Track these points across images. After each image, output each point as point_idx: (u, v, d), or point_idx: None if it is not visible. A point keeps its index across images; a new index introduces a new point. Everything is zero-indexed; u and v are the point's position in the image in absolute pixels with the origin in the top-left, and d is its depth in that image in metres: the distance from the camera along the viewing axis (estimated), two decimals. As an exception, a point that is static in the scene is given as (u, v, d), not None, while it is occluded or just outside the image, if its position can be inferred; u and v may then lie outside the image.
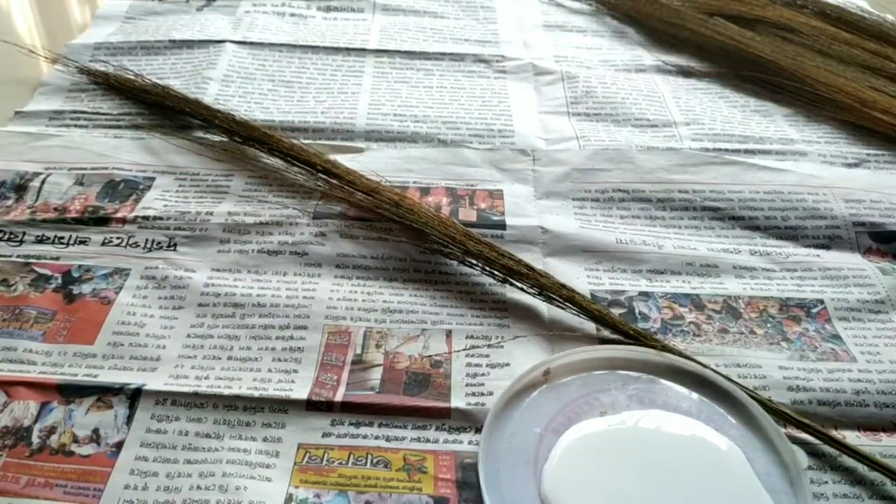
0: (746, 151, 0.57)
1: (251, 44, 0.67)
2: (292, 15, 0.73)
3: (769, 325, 0.43)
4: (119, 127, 0.57)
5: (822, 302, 0.44)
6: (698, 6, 0.71)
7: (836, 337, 0.42)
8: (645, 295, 0.44)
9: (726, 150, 0.57)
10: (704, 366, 0.38)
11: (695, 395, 0.37)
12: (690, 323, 0.43)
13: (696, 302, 0.44)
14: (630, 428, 0.36)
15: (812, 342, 0.42)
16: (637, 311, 0.43)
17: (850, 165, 0.56)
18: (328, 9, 0.74)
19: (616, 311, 0.43)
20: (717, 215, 0.51)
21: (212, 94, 0.60)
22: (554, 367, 0.38)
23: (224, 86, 0.61)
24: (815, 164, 0.56)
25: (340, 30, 0.70)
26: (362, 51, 0.67)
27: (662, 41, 0.71)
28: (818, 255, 0.48)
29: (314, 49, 0.67)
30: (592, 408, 0.36)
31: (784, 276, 0.46)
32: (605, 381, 0.38)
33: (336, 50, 0.67)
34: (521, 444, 0.35)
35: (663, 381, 0.38)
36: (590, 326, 0.42)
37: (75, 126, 0.57)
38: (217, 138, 0.55)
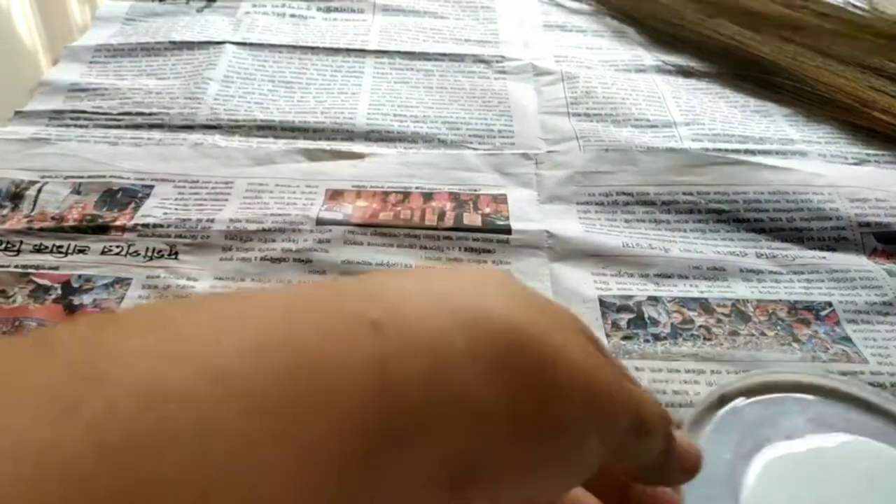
0: (746, 152, 0.56)
1: (251, 45, 0.66)
2: (292, 16, 0.72)
3: (779, 327, 0.43)
4: (119, 127, 0.56)
5: (830, 304, 0.44)
6: (698, 6, 0.71)
7: (847, 339, 0.42)
8: (653, 299, 0.44)
9: (726, 150, 0.56)
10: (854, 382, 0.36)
11: (865, 417, 0.35)
12: (700, 327, 0.42)
13: (704, 306, 0.44)
14: (831, 452, 0.33)
15: (823, 344, 0.41)
16: (646, 315, 0.43)
17: (850, 166, 0.56)
18: (328, 9, 0.73)
19: (625, 316, 0.42)
20: (721, 218, 0.50)
21: (212, 95, 0.59)
22: (729, 392, 0.36)
23: (224, 86, 0.61)
24: (816, 164, 0.56)
25: (340, 30, 0.70)
26: (362, 51, 0.67)
27: (662, 41, 0.71)
28: (824, 258, 0.48)
29: (314, 50, 0.66)
30: (777, 432, 0.34)
31: (791, 279, 0.46)
32: (782, 403, 0.36)
33: (336, 50, 0.67)
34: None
35: (835, 403, 0.36)
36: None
37: (75, 126, 0.56)
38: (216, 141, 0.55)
